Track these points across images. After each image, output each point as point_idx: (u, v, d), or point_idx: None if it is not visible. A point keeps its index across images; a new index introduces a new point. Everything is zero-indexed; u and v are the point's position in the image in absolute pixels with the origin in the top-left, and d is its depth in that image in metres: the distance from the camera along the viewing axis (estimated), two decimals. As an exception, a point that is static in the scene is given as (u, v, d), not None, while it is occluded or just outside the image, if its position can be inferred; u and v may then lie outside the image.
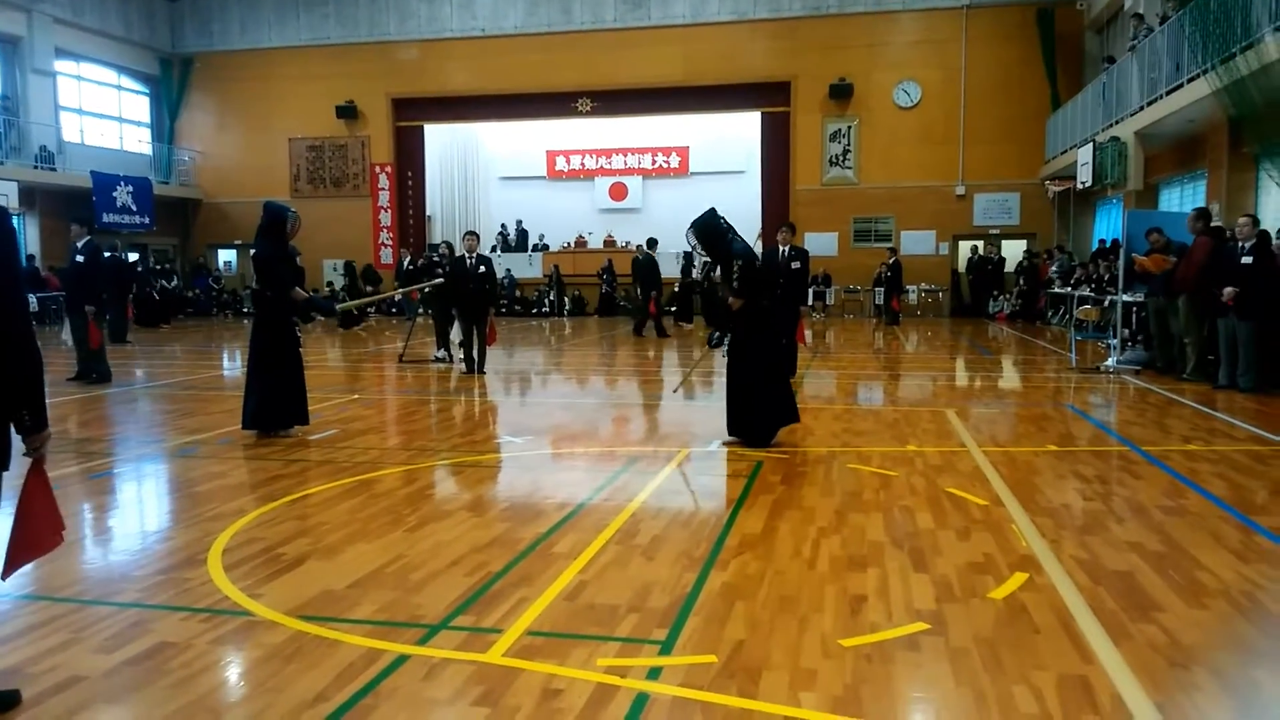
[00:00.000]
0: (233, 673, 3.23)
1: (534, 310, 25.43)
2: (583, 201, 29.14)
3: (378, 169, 26.31)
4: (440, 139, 27.81)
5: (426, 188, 27.08)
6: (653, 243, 19.19)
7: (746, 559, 4.35)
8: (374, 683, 3.08)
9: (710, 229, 6.93)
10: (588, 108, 25.49)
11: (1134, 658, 3.23)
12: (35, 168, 22.23)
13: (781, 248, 10.98)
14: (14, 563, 2.96)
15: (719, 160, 27.92)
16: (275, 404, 7.42)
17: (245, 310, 26.20)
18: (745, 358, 6.92)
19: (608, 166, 29.36)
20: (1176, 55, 13.89)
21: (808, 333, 12.38)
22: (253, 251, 7.64)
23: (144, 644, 3.41)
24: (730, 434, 7.12)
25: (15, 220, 22.32)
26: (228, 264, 28.30)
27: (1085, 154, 17.41)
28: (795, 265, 10.93)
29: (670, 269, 21.89)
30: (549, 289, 25.65)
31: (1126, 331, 12.26)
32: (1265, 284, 9.56)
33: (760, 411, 6.93)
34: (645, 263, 18.80)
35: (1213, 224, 10.78)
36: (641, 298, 18.74)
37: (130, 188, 23.94)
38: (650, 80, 24.39)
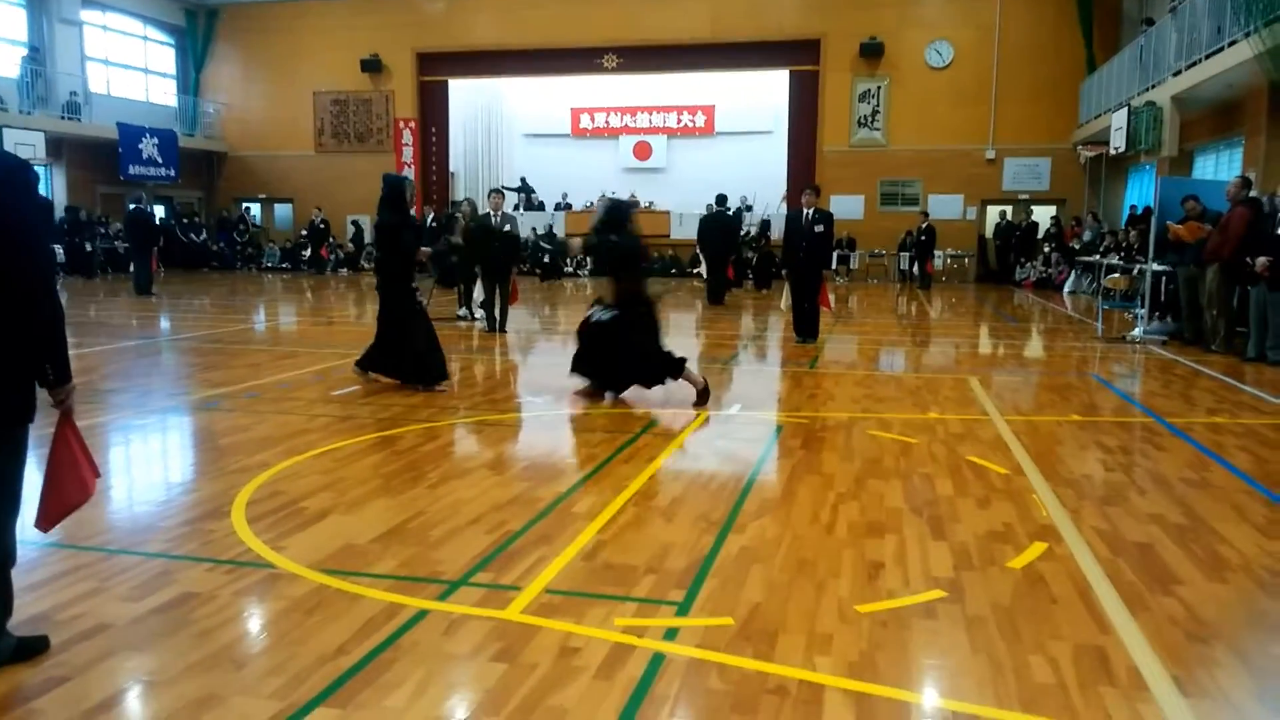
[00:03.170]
0: (255, 624, 3.29)
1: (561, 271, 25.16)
2: (606, 160, 28.95)
3: (402, 124, 26.19)
4: (464, 95, 27.61)
5: (450, 144, 26.96)
6: (722, 199, 17.65)
7: (765, 523, 4.36)
8: (394, 636, 3.12)
9: (619, 212, 7.73)
10: (613, 64, 25.20)
11: (1152, 630, 3.22)
12: (62, 118, 22.31)
13: (805, 210, 10.86)
14: (48, 515, 2.99)
15: (745, 120, 27.62)
16: (430, 359, 7.80)
17: (268, 265, 26.33)
18: (620, 326, 7.32)
19: (632, 125, 29.12)
20: (1218, 17, 13.53)
21: (831, 297, 12.26)
22: (376, 221, 8.30)
23: (169, 594, 3.46)
24: (579, 373, 7.56)
25: (43, 170, 22.41)
26: (249, 215, 28.00)
27: (1119, 118, 17.07)
28: (819, 228, 10.80)
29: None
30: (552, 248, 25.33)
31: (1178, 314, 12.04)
32: (1300, 255, 9.38)
33: (622, 366, 7.40)
34: (714, 221, 17.04)
35: (1251, 194, 10.57)
36: (710, 262, 16.95)
37: (156, 140, 24.01)
38: (677, 37, 24.06)
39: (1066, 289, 19.99)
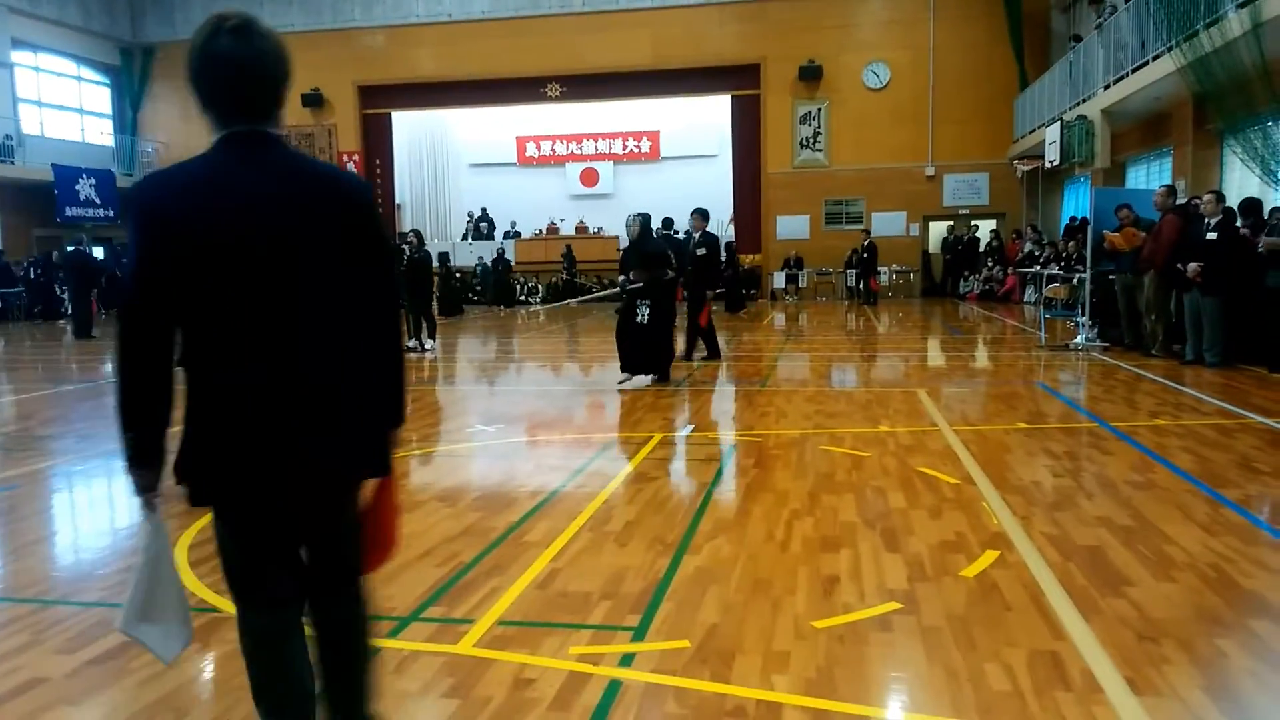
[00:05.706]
0: (198, 671, 3.18)
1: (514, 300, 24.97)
2: (554, 188, 29.01)
3: (345, 158, 26.03)
4: (408, 126, 27.56)
5: (395, 176, 26.83)
6: (668, 222, 18.10)
7: (719, 543, 4.34)
8: (343, 677, 3.03)
9: None
10: (557, 93, 25.34)
11: (1104, 632, 3.25)
12: (-6, 161, 21.84)
13: (693, 235, 11.30)
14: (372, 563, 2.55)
15: (690, 144, 27.90)
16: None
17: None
18: None
19: (578, 152, 29.24)
20: (1141, 33, 13.98)
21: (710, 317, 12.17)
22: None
23: (107, 643, 3.34)
24: None
25: None
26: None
27: (1053, 133, 17.53)
28: (700, 251, 11.23)
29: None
30: (520, 278, 25.34)
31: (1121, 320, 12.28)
32: (1229, 259, 9.66)
33: None
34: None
35: (1178, 201, 10.88)
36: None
37: (93, 180, 23.56)
38: (619, 64, 24.27)
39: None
